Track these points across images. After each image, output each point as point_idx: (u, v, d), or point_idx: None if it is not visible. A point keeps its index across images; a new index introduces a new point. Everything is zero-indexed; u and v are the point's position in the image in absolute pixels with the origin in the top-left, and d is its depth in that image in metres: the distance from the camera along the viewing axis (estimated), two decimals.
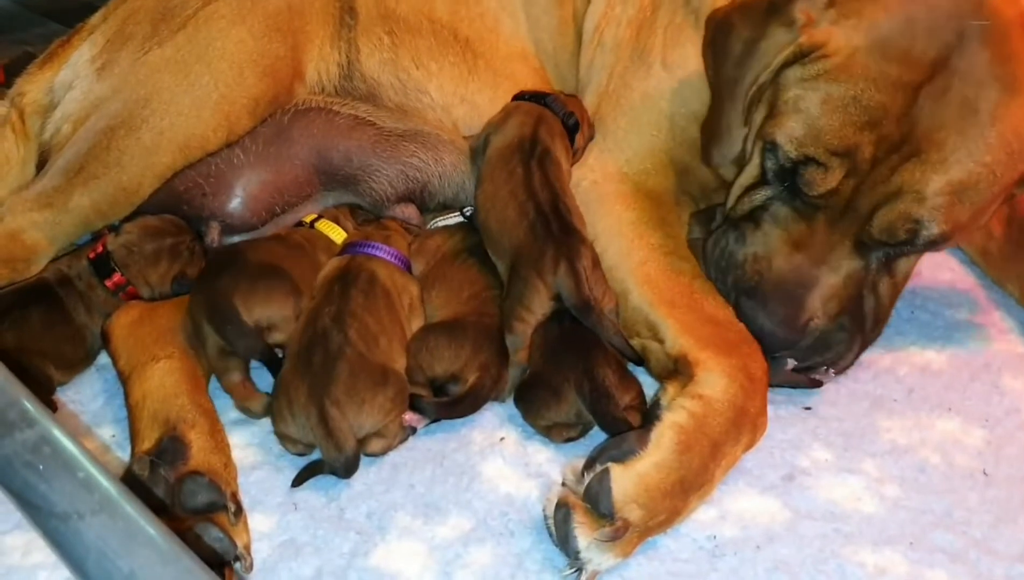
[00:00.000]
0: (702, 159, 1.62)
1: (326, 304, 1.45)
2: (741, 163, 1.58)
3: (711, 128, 1.57)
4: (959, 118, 1.30)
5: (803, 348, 1.46)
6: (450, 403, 1.42)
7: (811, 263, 1.43)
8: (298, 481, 1.33)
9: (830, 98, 1.35)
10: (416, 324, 1.55)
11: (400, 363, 1.45)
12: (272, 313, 1.45)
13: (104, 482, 0.69)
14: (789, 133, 1.39)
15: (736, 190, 1.55)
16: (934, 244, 1.39)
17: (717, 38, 1.54)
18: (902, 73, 1.31)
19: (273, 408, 1.38)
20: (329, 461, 1.31)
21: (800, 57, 1.39)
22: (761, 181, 1.50)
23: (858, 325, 1.47)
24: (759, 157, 1.49)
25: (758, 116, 1.49)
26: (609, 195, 1.66)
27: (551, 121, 1.73)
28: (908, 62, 1.31)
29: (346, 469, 1.31)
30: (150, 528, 0.66)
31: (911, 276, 1.55)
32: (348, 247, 1.62)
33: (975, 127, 1.31)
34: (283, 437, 1.38)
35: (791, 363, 1.48)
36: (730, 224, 1.56)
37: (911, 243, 1.38)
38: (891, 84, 1.32)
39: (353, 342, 1.38)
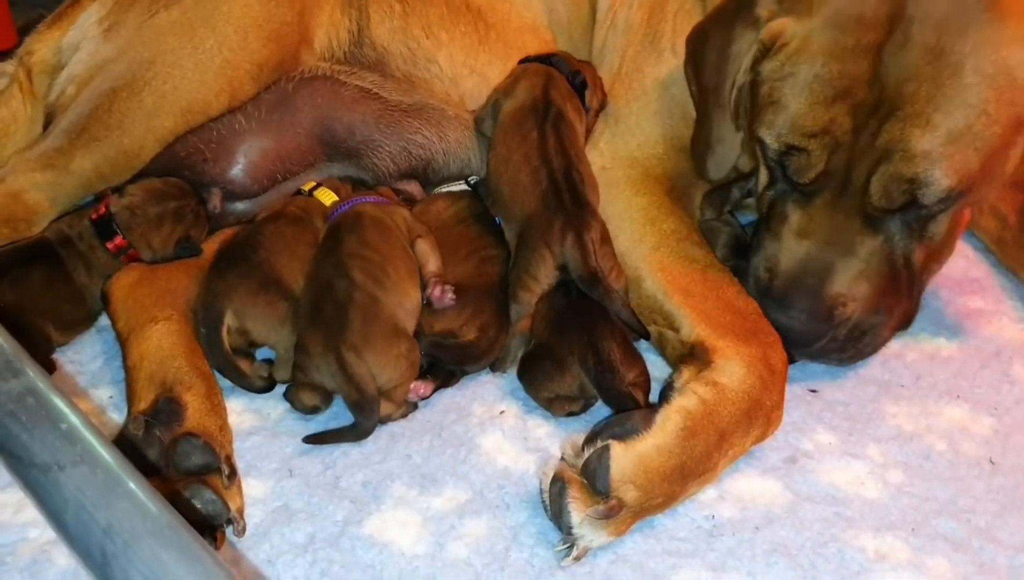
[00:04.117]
0: (697, 174, 1.61)
1: (323, 258, 1.45)
2: (745, 167, 1.56)
3: (701, 141, 1.56)
4: (927, 66, 1.26)
5: (840, 339, 1.40)
6: (439, 343, 1.42)
7: (819, 248, 1.39)
8: (314, 439, 1.33)
9: (796, 83, 1.34)
10: (422, 247, 1.53)
11: (412, 287, 1.44)
12: (263, 330, 1.44)
13: (86, 434, 0.68)
14: (768, 126, 1.38)
15: (758, 191, 1.54)
16: (948, 200, 1.33)
17: (695, 50, 1.54)
18: (859, 38, 1.29)
19: (295, 364, 1.38)
20: (351, 404, 1.31)
21: (766, 52, 1.39)
22: (770, 181, 1.49)
23: (893, 302, 1.41)
24: (761, 157, 1.47)
25: (749, 118, 1.47)
26: (619, 180, 1.64)
27: (559, 81, 1.71)
28: (862, 26, 1.29)
29: (369, 415, 1.30)
30: (130, 482, 0.65)
31: (958, 234, 1.47)
32: (334, 211, 1.61)
33: (946, 69, 1.26)
34: (304, 388, 1.37)
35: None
36: (755, 236, 1.54)
37: (917, 204, 1.33)
38: (849, 52, 1.29)
39: (360, 284, 1.38)
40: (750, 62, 1.42)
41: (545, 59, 1.77)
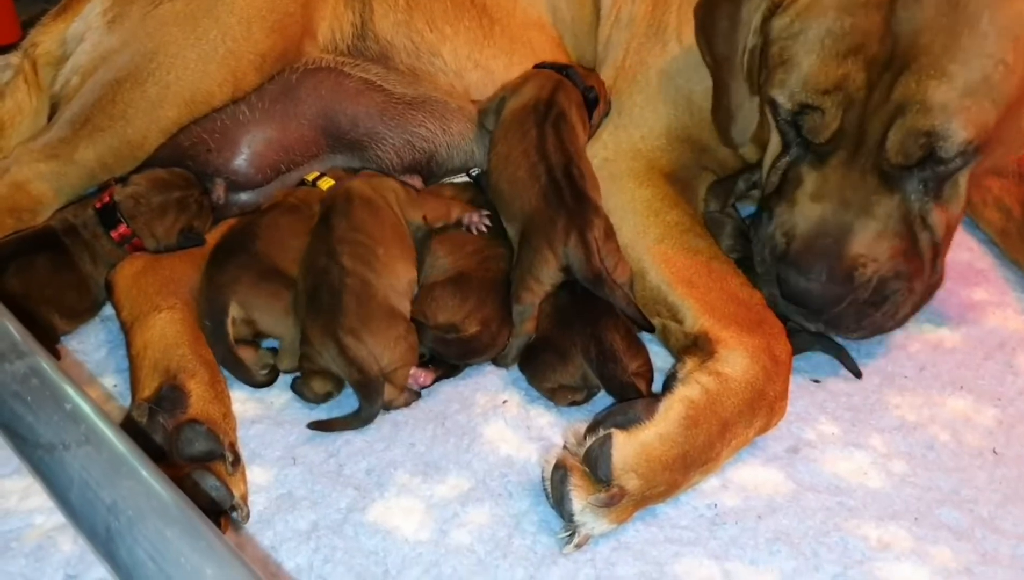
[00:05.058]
0: (723, 142, 1.60)
1: (316, 245, 1.46)
2: (761, 138, 1.55)
3: (722, 110, 1.55)
4: (942, 16, 1.24)
5: (860, 302, 1.37)
6: (442, 339, 1.42)
7: (836, 210, 1.35)
8: (319, 426, 1.34)
9: (807, 39, 1.32)
10: (412, 213, 1.57)
11: (404, 267, 1.46)
12: (269, 319, 1.44)
13: (91, 414, 0.69)
14: (780, 85, 1.36)
15: (767, 164, 1.52)
16: (966, 154, 1.29)
17: (705, 20, 1.53)
18: None
19: (303, 355, 1.40)
20: (356, 387, 1.32)
21: (775, 9, 1.38)
22: (783, 149, 1.47)
23: (915, 267, 1.38)
24: (773, 121, 1.45)
25: (760, 80, 1.46)
26: (622, 173, 1.64)
27: (570, 90, 1.71)
28: None
29: (373, 398, 1.31)
30: (134, 461, 0.66)
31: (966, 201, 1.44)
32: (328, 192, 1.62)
33: (961, 20, 1.23)
34: (314, 376, 1.38)
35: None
36: (764, 208, 1.51)
37: (935, 159, 1.29)
38: (860, 5, 1.28)
39: (351, 270, 1.39)
40: (759, 21, 1.40)
41: (561, 69, 1.76)
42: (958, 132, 1.25)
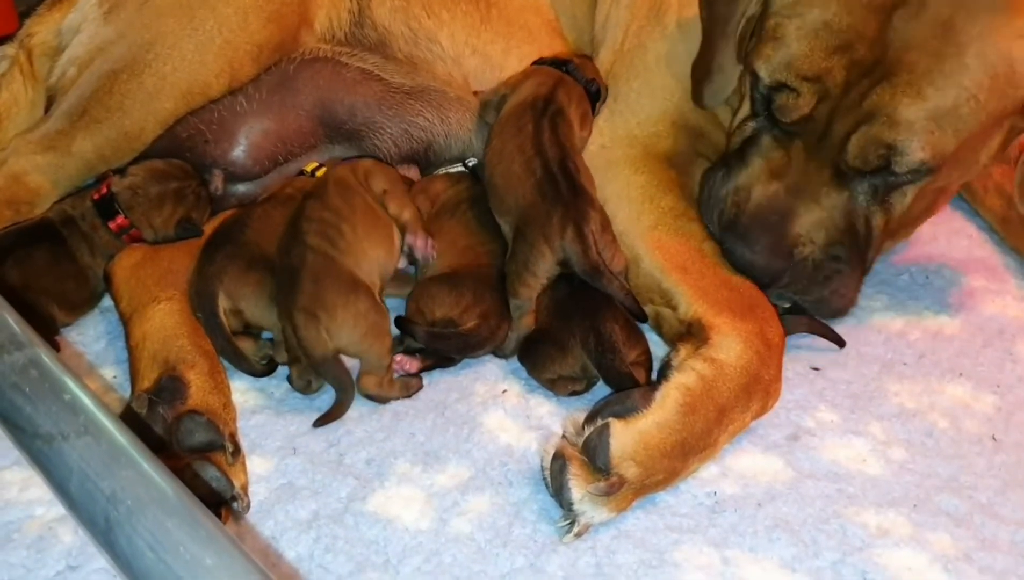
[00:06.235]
0: (693, 99, 1.62)
1: (288, 228, 1.46)
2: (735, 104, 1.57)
3: (702, 66, 1.56)
4: (933, 39, 1.27)
5: (797, 279, 1.44)
6: (439, 334, 1.42)
7: (788, 191, 1.42)
8: (319, 422, 1.34)
9: (804, 24, 1.34)
10: (390, 201, 1.53)
11: (372, 246, 1.45)
12: (255, 310, 1.44)
13: (89, 405, 0.69)
14: (765, 60, 1.39)
15: (734, 125, 1.55)
16: (917, 173, 1.36)
17: None
18: None
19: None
20: (313, 369, 1.33)
21: None
22: (752, 114, 1.50)
23: (855, 254, 1.45)
24: (749, 89, 1.48)
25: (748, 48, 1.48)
26: (618, 159, 1.64)
27: (571, 86, 1.70)
28: None
29: (331, 379, 1.31)
30: (134, 451, 0.66)
31: (925, 217, 1.53)
32: None
33: (950, 48, 1.27)
34: (293, 363, 1.39)
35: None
36: (722, 162, 1.56)
37: (889, 170, 1.35)
38: (862, 7, 1.30)
39: (314, 246, 1.39)
40: None
41: (561, 64, 1.75)
42: (916, 152, 1.31)
